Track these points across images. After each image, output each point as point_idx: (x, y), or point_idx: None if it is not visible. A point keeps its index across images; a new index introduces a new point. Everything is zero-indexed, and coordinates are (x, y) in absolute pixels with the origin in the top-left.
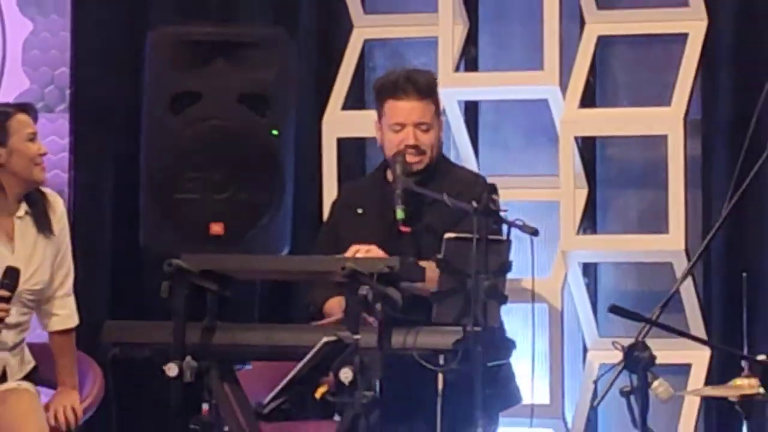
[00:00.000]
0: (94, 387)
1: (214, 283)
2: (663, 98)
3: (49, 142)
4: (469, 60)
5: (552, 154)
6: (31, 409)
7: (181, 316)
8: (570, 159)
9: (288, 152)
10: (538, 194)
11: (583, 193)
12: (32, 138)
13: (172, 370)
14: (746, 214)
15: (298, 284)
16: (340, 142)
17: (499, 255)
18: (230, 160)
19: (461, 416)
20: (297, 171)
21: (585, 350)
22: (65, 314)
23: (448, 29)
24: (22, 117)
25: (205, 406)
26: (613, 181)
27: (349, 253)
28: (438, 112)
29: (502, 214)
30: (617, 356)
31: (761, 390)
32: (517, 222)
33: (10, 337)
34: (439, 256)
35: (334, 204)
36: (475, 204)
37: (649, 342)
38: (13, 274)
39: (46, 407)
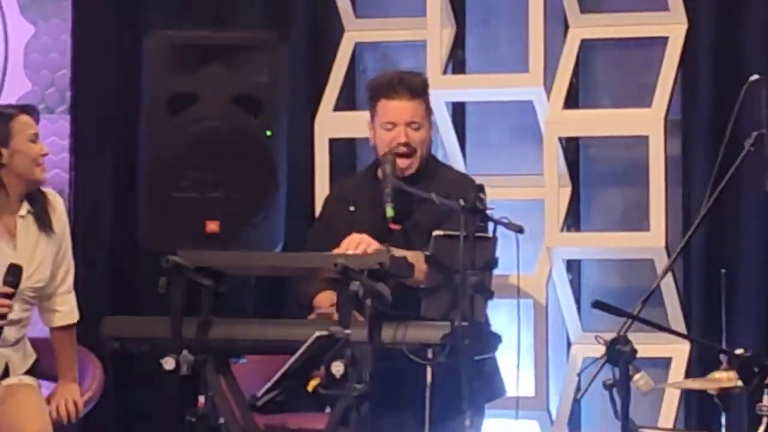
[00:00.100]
0: (95, 380)
1: (210, 279)
2: (644, 99)
3: (50, 143)
4: (456, 62)
5: (537, 153)
6: (34, 404)
7: (177, 311)
8: (554, 158)
9: (281, 152)
10: (524, 193)
11: (567, 191)
12: (34, 139)
13: (169, 363)
14: (725, 212)
15: (291, 280)
16: (332, 142)
17: (485, 252)
18: (225, 159)
19: (449, 408)
20: (290, 170)
21: (569, 344)
22: (66, 310)
23: (436, 33)
24: (24, 118)
25: (201, 399)
26: (596, 179)
27: (344, 244)
28: (429, 112)
29: (488, 212)
30: (600, 350)
31: (739, 383)
32: (503, 220)
33: (12, 333)
34: (428, 253)
35: (327, 199)
36: (462, 202)
37: (631, 336)
38: (16, 271)
39: (48, 400)
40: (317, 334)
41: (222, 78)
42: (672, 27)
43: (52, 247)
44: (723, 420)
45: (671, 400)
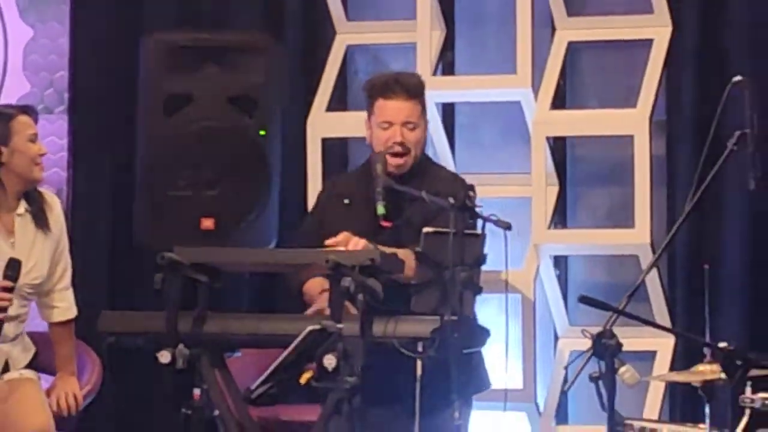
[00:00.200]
0: (93, 374)
1: (205, 274)
2: (629, 100)
3: (49, 142)
4: (446, 64)
5: (525, 153)
6: (37, 400)
7: (173, 307)
8: (542, 158)
9: (275, 151)
10: (512, 191)
11: (554, 189)
12: (33, 139)
13: (165, 357)
14: (708, 210)
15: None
16: (324, 141)
17: (474, 248)
18: (220, 158)
19: (437, 400)
20: (283, 169)
21: (556, 338)
22: (65, 306)
23: (426, 35)
24: (23, 118)
25: (196, 391)
26: (583, 178)
27: (339, 238)
28: (424, 113)
29: (477, 209)
30: (586, 344)
31: (722, 375)
32: (492, 217)
33: (11, 329)
34: (418, 249)
35: (321, 194)
36: (451, 200)
37: (617, 330)
38: (15, 265)
39: (48, 393)
40: (310, 328)
41: (217, 79)
42: (656, 29)
43: (49, 245)
44: (707, 412)
45: (656, 393)
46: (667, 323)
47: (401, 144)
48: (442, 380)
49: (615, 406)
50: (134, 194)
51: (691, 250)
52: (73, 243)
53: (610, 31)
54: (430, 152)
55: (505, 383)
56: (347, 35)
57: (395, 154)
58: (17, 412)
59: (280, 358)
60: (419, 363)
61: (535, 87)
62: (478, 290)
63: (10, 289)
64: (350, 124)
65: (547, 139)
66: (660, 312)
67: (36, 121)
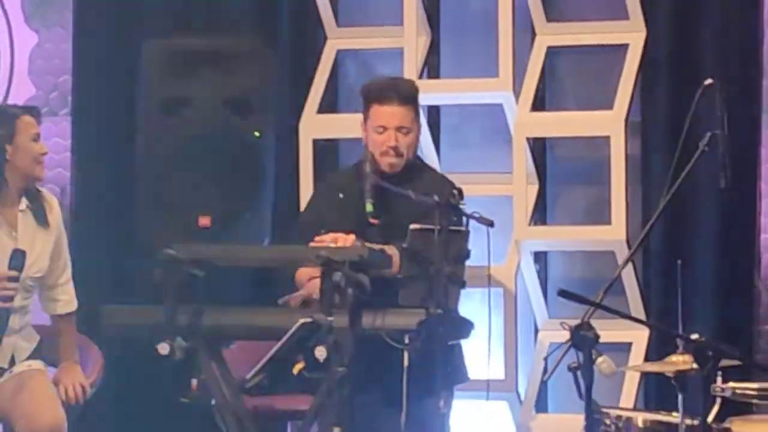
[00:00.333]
0: (96, 366)
1: (202, 270)
2: (606, 103)
3: (53, 143)
4: (431, 68)
5: (506, 153)
6: (47, 392)
7: (172, 301)
8: (523, 157)
9: (268, 152)
10: (494, 189)
11: (534, 188)
12: (36, 138)
13: (164, 349)
14: (681, 207)
15: (277, 271)
16: (315, 142)
17: (458, 244)
18: (216, 159)
19: (421, 389)
20: (277, 169)
21: (536, 330)
22: (66, 300)
23: (412, 40)
24: (27, 118)
25: (194, 382)
26: (562, 177)
27: (326, 238)
28: (417, 118)
29: (460, 207)
30: (565, 335)
31: (694, 366)
32: (475, 214)
33: (15, 320)
34: (404, 245)
35: (319, 187)
36: (436, 198)
37: (594, 323)
38: (20, 255)
39: (55, 382)
40: (302, 320)
41: (213, 83)
42: (632, 35)
43: (49, 240)
44: (680, 400)
45: (631, 382)
46: (642, 316)
47: (394, 148)
48: (426, 370)
49: (592, 395)
50: (135, 193)
51: (664, 246)
52: (76, 239)
53: (587, 37)
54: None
55: (487, 373)
56: (337, 41)
57: (389, 155)
58: (29, 406)
59: (273, 350)
60: (406, 354)
61: (516, 90)
62: (462, 284)
63: (15, 279)
64: (340, 125)
65: (528, 139)
66: (635, 305)
67: (39, 121)
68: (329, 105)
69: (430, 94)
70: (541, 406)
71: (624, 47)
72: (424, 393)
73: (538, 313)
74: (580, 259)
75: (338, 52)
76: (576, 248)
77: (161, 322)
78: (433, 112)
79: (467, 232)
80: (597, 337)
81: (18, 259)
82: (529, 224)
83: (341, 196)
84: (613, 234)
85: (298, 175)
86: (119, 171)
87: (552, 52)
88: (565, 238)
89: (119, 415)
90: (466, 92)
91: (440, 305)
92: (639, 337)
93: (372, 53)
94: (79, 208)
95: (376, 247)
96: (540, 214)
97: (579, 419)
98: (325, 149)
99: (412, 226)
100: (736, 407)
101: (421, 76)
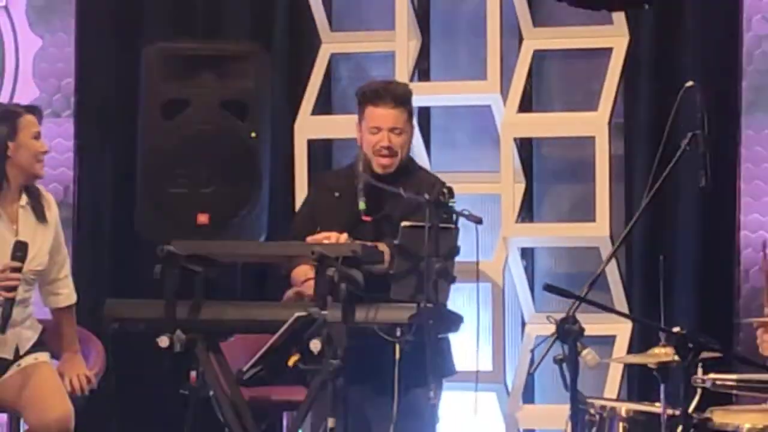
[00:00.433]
0: (98, 359)
1: (201, 265)
2: (590, 104)
3: (56, 144)
4: (422, 71)
5: (494, 152)
6: (54, 385)
7: (171, 295)
8: (510, 157)
9: (265, 152)
10: (482, 188)
11: (521, 186)
12: (37, 136)
13: (163, 342)
14: (663, 205)
15: (273, 266)
16: (310, 143)
17: (448, 241)
18: (214, 158)
19: (412, 381)
20: (272, 168)
21: (523, 324)
22: (66, 293)
23: (403, 45)
24: (29, 117)
25: (193, 374)
26: (548, 176)
27: (319, 237)
28: (410, 119)
29: (450, 205)
30: (551, 329)
31: (676, 358)
32: (464, 212)
33: (18, 312)
34: (396, 242)
35: (315, 185)
36: (427, 196)
37: (579, 316)
38: (22, 247)
39: (60, 373)
40: (297, 314)
41: (211, 85)
42: (615, 39)
43: (48, 235)
44: (662, 391)
45: (615, 374)
46: (626, 310)
47: (388, 148)
48: (417, 363)
49: (577, 386)
50: (135, 191)
51: (647, 242)
52: (78, 236)
53: (572, 41)
54: None
55: (476, 366)
56: (331, 45)
57: (383, 155)
58: (38, 399)
59: (270, 343)
60: (397, 347)
61: (504, 92)
62: (452, 279)
63: (18, 269)
64: (334, 126)
65: (515, 139)
66: (619, 299)
67: (40, 120)
68: (323, 107)
69: (420, 95)
70: (528, 396)
71: (608, 51)
72: (415, 384)
73: (525, 307)
74: (566, 255)
75: (332, 55)
76: (562, 244)
77: (161, 315)
78: (424, 113)
79: (457, 230)
80: (582, 330)
81: (21, 250)
82: (517, 221)
83: (336, 195)
84: (597, 231)
85: (293, 175)
86: (120, 170)
87: (538, 55)
88: (551, 234)
89: (120, 407)
90: (455, 94)
91: (431, 300)
92: (622, 330)
93: (365, 56)
94: (82, 207)
95: (369, 244)
96: (527, 212)
97: (564, 409)
98: (320, 149)
99: (404, 224)
100: (717, 398)
101: (412, 79)
